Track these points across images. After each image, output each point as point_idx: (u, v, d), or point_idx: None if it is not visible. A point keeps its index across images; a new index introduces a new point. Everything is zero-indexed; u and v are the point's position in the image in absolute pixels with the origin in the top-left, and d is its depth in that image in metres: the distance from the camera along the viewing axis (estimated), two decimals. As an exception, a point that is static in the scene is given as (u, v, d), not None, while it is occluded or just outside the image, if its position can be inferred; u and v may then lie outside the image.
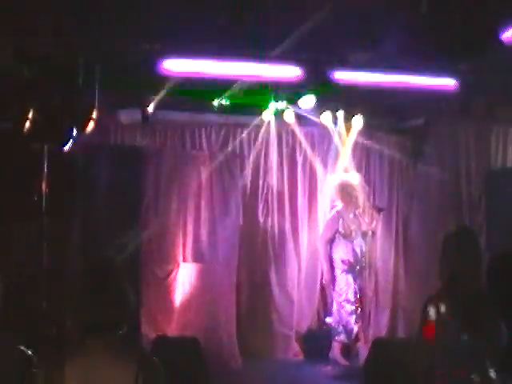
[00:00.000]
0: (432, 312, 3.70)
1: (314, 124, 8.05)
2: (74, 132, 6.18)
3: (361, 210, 7.76)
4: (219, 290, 7.53)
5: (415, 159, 8.49)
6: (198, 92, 7.15)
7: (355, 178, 7.85)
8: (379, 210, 7.76)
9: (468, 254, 3.69)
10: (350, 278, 7.60)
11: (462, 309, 3.56)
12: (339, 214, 7.75)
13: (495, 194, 7.74)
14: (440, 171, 8.30)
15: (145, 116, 7.32)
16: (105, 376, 2.68)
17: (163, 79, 6.44)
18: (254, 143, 8.11)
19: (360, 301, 7.68)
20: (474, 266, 3.64)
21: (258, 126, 8.07)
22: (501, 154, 8.27)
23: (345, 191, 7.73)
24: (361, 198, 7.77)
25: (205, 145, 7.96)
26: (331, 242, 7.74)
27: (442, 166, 8.31)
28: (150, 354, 2.91)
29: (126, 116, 7.40)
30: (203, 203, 7.69)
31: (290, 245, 8.10)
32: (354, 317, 7.54)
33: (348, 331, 7.54)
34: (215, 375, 6.36)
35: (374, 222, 7.80)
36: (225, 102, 7.57)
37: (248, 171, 8.06)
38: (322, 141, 8.30)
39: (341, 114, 7.96)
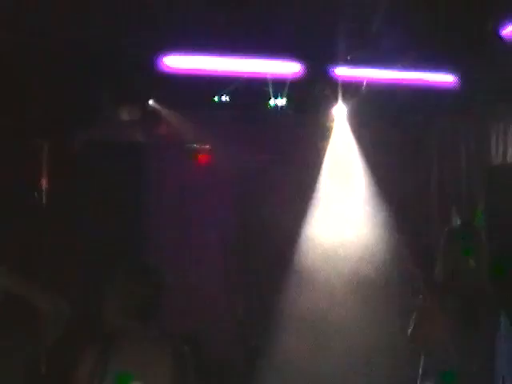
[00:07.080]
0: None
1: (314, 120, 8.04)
2: (74, 129, 6.20)
3: None
4: (220, 287, 7.52)
5: (415, 157, 8.47)
6: (198, 88, 7.14)
7: None
8: None
9: (471, 251, 3.67)
10: None
11: (462, 307, 3.56)
12: None
13: (496, 191, 7.72)
14: (440, 169, 8.29)
15: (145, 112, 7.32)
16: (144, 360, 2.80)
17: (163, 75, 6.43)
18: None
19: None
20: (476, 263, 3.62)
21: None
22: (501, 151, 8.25)
23: None
24: None
25: (205, 141, 7.95)
26: None
27: (443, 164, 8.30)
28: (181, 345, 2.97)
29: (127, 112, 7.39)
30: (205, 199, 7.68)
31: (292, 242, 8.07)
32: None
33: None
34: (216, 372, 6.36)
35: None
36: (225, 98, 7.56)
37: (248, 168, 8.05)
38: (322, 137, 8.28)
39: (341, 110, 7.93)
